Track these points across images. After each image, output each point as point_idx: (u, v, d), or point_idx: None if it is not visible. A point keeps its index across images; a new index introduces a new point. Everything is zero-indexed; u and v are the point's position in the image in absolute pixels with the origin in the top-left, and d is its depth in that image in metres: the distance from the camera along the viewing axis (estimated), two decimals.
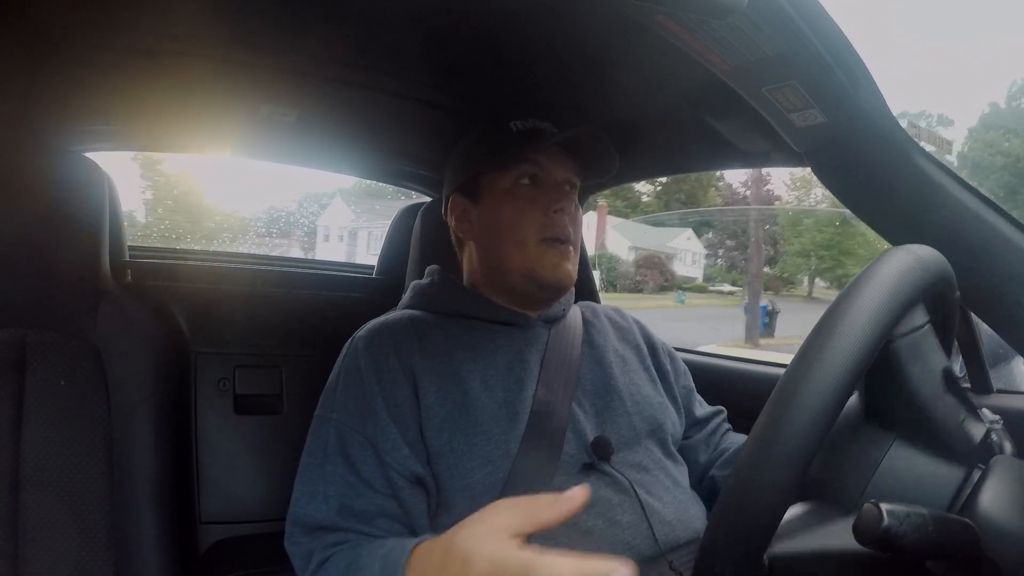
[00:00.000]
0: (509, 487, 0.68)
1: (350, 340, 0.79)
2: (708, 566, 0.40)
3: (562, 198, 0.77)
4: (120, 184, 1.06)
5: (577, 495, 0.43)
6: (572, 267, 0.79)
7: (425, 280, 0.85)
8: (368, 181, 1.62)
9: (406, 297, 0.86)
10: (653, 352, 0.89)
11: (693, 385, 0.92)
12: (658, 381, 0.85)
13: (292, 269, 1.49)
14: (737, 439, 0.90)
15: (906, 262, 0.45)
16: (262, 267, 1.41)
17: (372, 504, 0.66)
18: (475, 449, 0.69)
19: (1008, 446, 0.53)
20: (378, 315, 0.89)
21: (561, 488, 0.69)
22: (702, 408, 0.92)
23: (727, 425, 0.93)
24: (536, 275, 0.77)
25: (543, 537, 0.66)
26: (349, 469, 0.67)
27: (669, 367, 0.89)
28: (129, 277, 1.17)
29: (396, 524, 0.66)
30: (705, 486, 0.86)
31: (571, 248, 0.78)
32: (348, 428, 0.69)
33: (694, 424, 0.89)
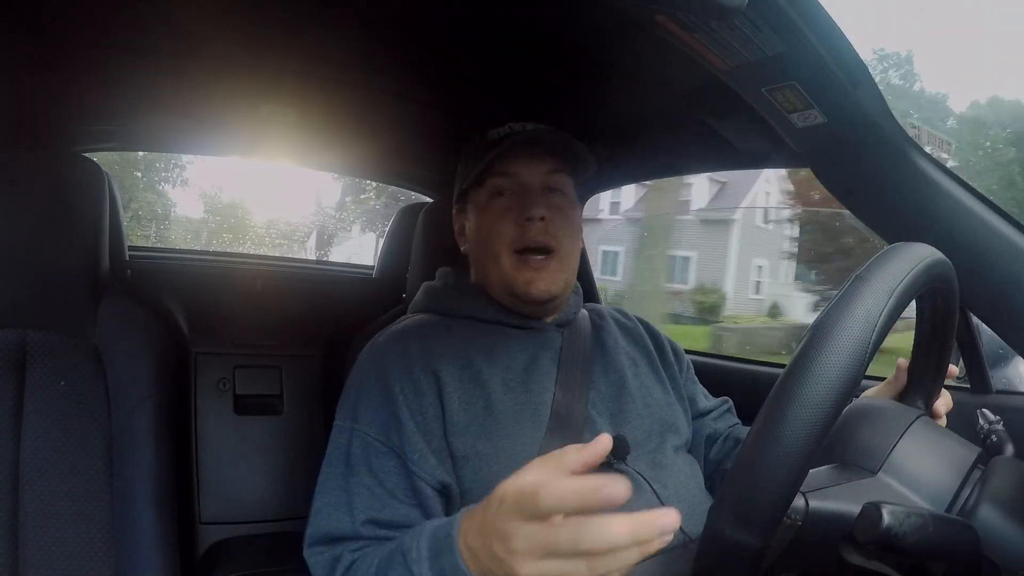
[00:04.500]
0: None
1: (369, 345, 0.77)
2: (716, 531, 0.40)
3: (535, 204, 0.74)
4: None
5: (603, 441, 0.43)
6: (550, 278, 0.75)
7: (438, 283, 0.84)
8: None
9: (418, 299, 0.85)
10: (660, 351, 0.89)
11: (696, 379, 0.92)
12: (667, 382, 0.85)
13: (292, 269, 1.49)
14: (745, 432, 0.89)
15: (916, 251, 0.45)
16: (262, 267, 1.41)
17: (398, 515, 0.65)
18: (500, 452, 0.69)
19: (1008, 447, 0.53)
20: (378, 315, 0.89)
21: None
22: (707, 400, 0.91)
23: (735, 418, 0.92)
24: (514, 290, 0.76)
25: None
26: (374, 480, 0.66)
27: (675, 364, 0.89)
28: (129, 277, 1.17)
29: None
30: (717, 480, 0.85)
31: (550, 259, 0.75)
32: (371, 438, 0.68)
33: (699, 416, 0.89)
